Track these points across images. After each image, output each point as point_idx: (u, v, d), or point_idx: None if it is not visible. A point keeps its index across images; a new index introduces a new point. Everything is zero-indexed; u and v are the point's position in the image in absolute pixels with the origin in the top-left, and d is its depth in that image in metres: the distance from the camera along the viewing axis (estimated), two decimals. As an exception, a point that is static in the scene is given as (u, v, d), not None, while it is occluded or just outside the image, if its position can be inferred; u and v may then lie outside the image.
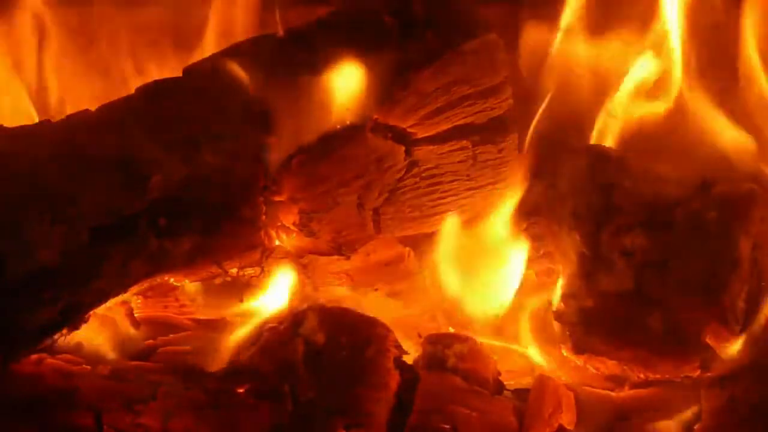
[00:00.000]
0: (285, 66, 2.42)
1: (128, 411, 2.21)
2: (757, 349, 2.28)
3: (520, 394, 2.36)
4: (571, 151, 2.45)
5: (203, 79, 2.43)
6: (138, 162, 2.27)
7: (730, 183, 2.39)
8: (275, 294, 2.48)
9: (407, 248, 2.56)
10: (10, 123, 2.34)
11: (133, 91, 2.41)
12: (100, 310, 2.32)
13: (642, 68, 2.63)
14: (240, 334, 2.40)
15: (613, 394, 2.35)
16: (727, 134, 2.56)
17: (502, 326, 2.50)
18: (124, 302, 2.48)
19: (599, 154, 2.45)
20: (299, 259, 2.50)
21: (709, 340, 2.28)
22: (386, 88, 2.44)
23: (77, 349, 2.35)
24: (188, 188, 2.30)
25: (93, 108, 2.36)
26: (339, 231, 2.45)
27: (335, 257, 2.47)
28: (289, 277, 2.48)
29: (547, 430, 2.25)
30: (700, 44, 2.63)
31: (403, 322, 2.50)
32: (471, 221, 2.53)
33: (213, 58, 2.49)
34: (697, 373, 2.29)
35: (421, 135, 2.49)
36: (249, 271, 2.41)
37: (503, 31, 2.54)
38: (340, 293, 2.55)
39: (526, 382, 2.42)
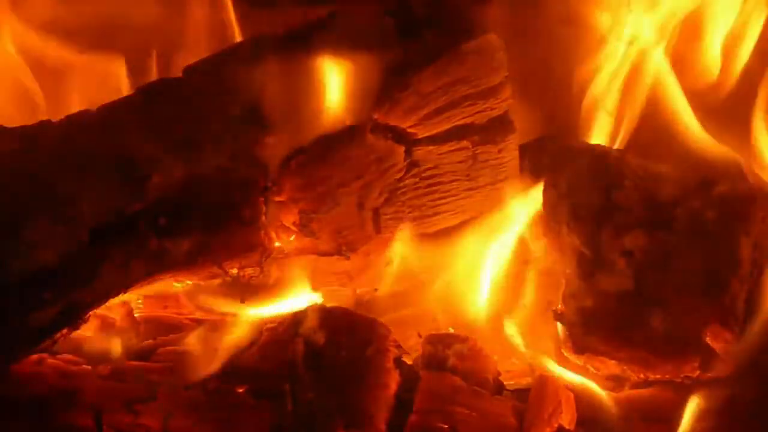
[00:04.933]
0: (285, 66, 2.42)
1: (128, 411, 2.21)
2: (757, 349, 2.28)
3: (520, 394, 2.36)
4: (571, 151, 2.45)
5: (203, 79, 2.43)
6: (138, 162, 2.27)
7: (730, 183, 2.39)
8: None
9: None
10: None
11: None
12: (100, 310, 2.32)
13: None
14: (240, 334, 2.40)
15: (613, 394, 2.35)
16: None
17: (502, 326, 2.50)
18: (124, 302, 2.48)
19: (599, 154, 2.45)
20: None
21: (709, 340, 2.28)
22: (386, 89, 2.44)
23: (77, 349, 2.35)
24: (188, 188, 2.30)
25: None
26: (339, 231, 2.45)
27: (335, 257, 2.47)
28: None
29: (547, 430, 2.25)
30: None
31: (403, 322, 2.50)
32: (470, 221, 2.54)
33: (213, 58, 2.49)
34: (697, 373, 2.29)
35: (421, 135, 2.49)
36: (249, 271, 2.41)
37: (503, 31, 2.54)
38: (340, 293, 2.55)
39: (526, 382, 2.42)
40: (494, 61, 2.52)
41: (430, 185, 2.52)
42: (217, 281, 2.44)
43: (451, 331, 2.49)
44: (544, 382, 2.34)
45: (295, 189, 2.40)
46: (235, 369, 2.29)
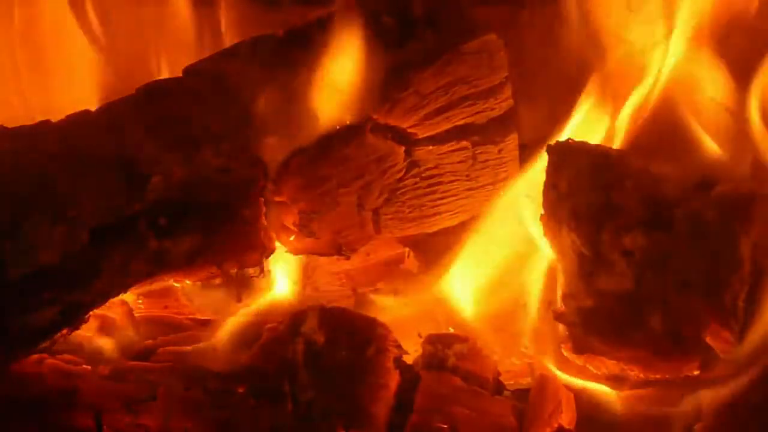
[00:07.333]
0: (285, 66, 2.42)
1: (128, 411, 2.21)
2: (758, 349, 2.28)
3: (520, 394, 2.37)
4: (571, 151, 2.45)
5: (203, 79, 2.43)
6: (138, 162, 2.27)
7: (730, 183, 2.38)
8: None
9: (407, 248, 2.56)
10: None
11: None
12: (100, 310, 2.32)
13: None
14: (240, 333, 2.40)
15: (612, 393, 2.35)
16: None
17: (503, 326, 2.50)
18: (124, 302, 2.48)
19: (599, 154, 2.45)
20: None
21: (709, 340, 2.28)
22: (386, 89, 2.44)
23: (77, 349, 2.36)
24: (188, 188, 2.30)
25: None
26: (339, 231, 2.45)
27: (335, 257, 2.47)
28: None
29: (547, 430, 2.25)
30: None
31: (403, 322, 2.50)
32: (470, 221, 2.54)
33: (213, 58, 2.49)
34: (697, 373, 2.29)
35: (421, 135, 2.50)
36: (249, 271, 2.41)
37: (503, 31, 2.54)
38: (340, 293, 2.56)
39: (526, 382, 2.42)
40: (494, 61, 2.52)
41: (430, 185, 2.52)
42: (217, 281, 2.44)
43: (451, 331, 2.49)
44: (544, 382, 2.34)
45: (295, 189, 2.40)
46: (235, 369, 2.29)
